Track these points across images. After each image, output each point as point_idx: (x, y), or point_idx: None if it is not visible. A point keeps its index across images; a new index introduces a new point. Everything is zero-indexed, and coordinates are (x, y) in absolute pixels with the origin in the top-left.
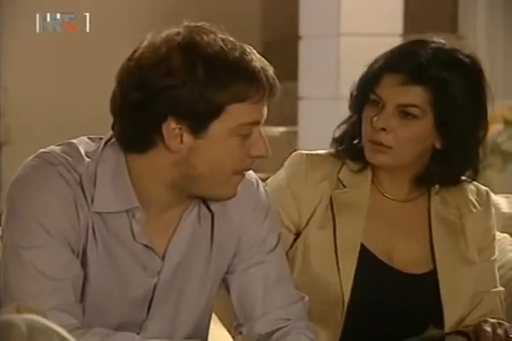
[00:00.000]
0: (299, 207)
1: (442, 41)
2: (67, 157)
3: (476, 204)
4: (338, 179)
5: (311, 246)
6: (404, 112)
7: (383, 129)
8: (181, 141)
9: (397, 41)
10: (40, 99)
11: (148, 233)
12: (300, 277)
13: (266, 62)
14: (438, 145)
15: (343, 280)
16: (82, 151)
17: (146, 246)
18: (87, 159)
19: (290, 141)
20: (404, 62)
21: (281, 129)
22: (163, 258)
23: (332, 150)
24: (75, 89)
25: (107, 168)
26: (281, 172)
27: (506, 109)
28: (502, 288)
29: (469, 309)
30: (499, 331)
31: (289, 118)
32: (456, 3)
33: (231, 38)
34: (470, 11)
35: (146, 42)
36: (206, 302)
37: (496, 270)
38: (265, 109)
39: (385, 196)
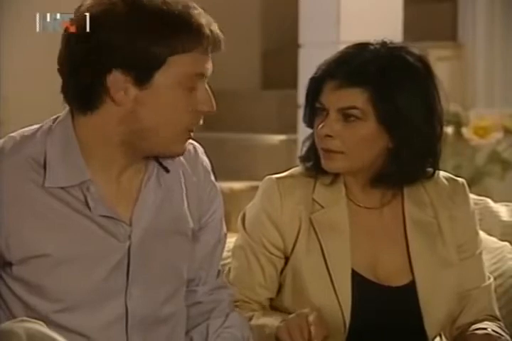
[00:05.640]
0: (281, 233)
1: (385, 41)
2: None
3: (451, 197)
4: (314, 200)
5: (303, 273)
6: (347, 115)
7: (329, 136)
8: (126, 93)
9: None
10: (40, 103)
11: (109, 201)
12: (292, 300)
13: (209, 17)
14: (390, 145)
15: (343, 306)
16: (21, 136)
17: (106, 216)
18: (32, 140)
19: (290, 149)
20: (341, 67)
21: (281, 137)
22: (130, 223)
23: (301, 167)
24: None
25: (56, 143)
26: (256, 202)
27: (505, 117)
28: (491, 280)
29: (459, 309)
30: None
31: (289, 126)
32: (455, 11)
33: None
34: (469, 19)
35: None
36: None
37: (484, 263)
38: (210, 63)
39: (361, 206)
